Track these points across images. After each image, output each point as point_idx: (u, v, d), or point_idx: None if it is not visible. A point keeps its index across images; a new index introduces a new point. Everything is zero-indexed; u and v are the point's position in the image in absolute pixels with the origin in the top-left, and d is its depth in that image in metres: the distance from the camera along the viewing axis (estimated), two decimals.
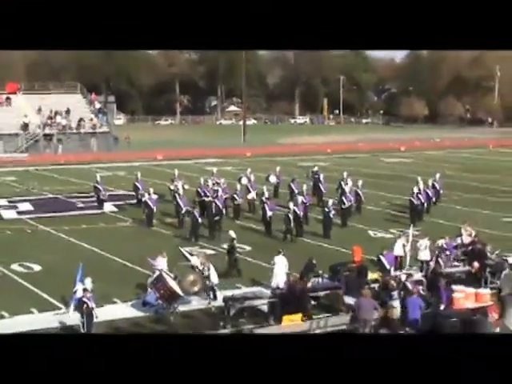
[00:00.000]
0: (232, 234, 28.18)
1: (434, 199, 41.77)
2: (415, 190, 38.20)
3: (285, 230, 33.05)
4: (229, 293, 23.24)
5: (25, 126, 77.17)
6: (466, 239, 28.36)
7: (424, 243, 26.78)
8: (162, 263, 24.24)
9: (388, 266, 24.86)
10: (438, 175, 44.26)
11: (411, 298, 20.76)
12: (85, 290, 20.70)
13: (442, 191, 43.26)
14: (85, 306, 20.10)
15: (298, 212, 33.77)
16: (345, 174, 42.81)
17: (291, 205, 33.83)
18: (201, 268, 23.96)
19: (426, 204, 38.75)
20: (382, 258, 25.30)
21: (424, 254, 26.44)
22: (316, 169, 46.68)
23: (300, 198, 35.89)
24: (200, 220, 33.35)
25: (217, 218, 34.39)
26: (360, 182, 40.77)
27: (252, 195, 39.78)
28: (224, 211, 36.08)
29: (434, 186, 42.50)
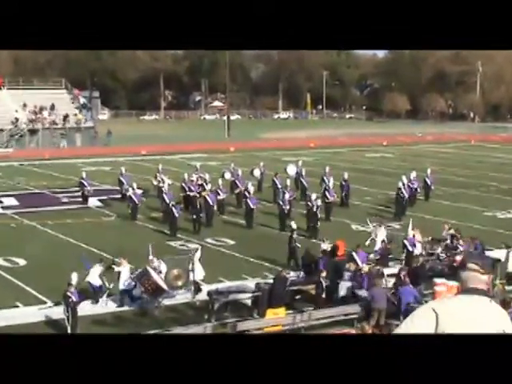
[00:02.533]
0: (293, 224, 28.29)
1: (424, 194, 41.92)
2: (400, 184, 38.06)
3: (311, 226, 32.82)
4: (213, 287, 23.23)
5: (15, 121, 76.62)
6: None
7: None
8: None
9: (360, 263, 24.80)
10: (429, 170, 43.69)
11: (404, 288, 20.86)
12: (69, 284, 20.59)
13: (433, 187, 42.96)
14: (69, 300, 19.98)
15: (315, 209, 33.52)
16: (327, 168, 42.49)
17: (314, 201, 33.74)
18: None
19: (409, 198, 38.75)
20: (354, 254, 25.26)
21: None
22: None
23: (286, 193, 35.63)
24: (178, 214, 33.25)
25: (201, 213, 34.24)
26: (346, 175, 40.70)
27: (241, 188, 39.16)
28: (215, 207, 35.85)
29: (425, 182, 42.41)
